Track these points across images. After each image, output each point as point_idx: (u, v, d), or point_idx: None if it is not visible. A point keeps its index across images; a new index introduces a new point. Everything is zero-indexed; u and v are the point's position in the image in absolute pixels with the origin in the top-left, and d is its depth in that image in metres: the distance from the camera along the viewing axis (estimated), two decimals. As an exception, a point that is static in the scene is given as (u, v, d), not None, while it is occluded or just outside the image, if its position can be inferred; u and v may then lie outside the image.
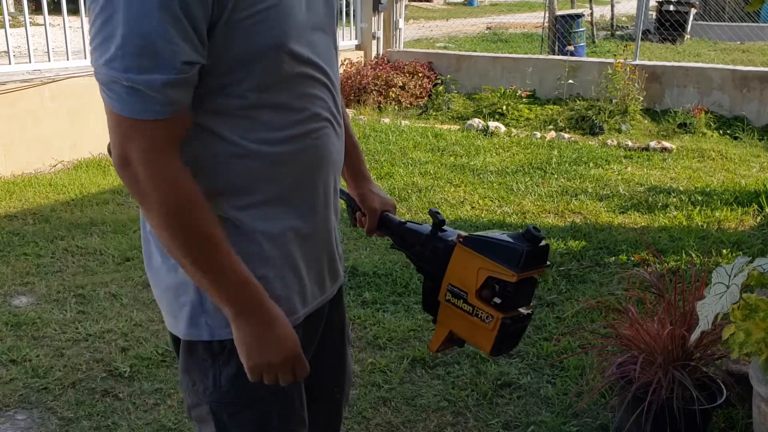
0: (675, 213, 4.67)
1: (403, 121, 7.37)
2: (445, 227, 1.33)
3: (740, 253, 3.90)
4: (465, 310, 1.24)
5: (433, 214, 1.35)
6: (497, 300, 1.20)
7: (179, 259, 1.13)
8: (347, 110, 7.75)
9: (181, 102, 1.07)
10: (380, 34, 8.85)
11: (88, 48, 6.02)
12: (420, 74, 8.31)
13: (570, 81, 7.81)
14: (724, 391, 2.31)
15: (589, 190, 5.16)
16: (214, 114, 1.13)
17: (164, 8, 1.00)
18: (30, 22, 5.81)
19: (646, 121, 7.28)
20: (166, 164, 1.07)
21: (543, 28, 11.78)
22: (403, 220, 1.43)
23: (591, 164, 5.86)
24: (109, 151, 1.52)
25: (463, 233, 1.28)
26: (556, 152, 6.17)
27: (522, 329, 1.26)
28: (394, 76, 8.12)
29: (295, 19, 1.13)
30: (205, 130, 1.13)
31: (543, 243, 1.20)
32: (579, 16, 11.02)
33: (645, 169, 5.77)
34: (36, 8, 9.40)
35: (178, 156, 1.09)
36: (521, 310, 1.23)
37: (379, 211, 1.48)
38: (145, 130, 1.06)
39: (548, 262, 1.24)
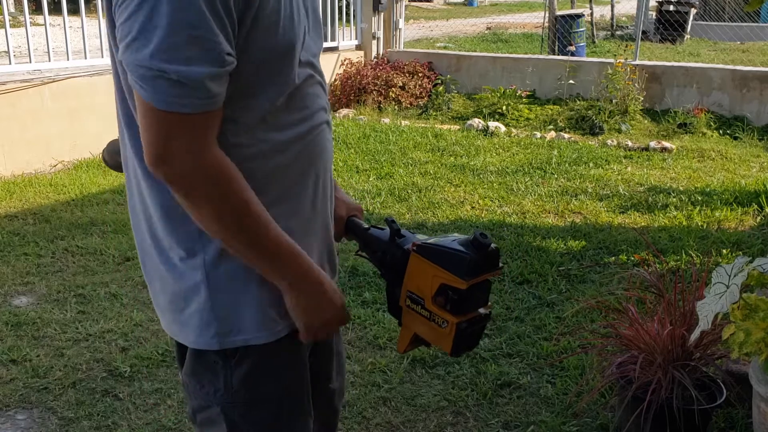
0: (675, 213, 4.67)
1: (403, 121, 7.37)
2: (403, 232, 1.37)
3: (740, 253, 3.90)
4: (423, 315, 1.28)
5: (389, 222, 1.39)
6: (451, 306, 1.24)
7: (232, 244, 1.14)
8: (347, 110, 7.76)
9: (221, 94, 1.07)
10: (380, 34, 8.85)
11: (88, 48, 6.06)
12: (420, 74, 8.30)
13: (570, 81, 7.81)
14: (724, 391, 2.31)
15: (589, 190, 5.16)
16: (230, 120, 1.13)
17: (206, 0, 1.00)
18: (30, 22, 5.81)
19: (646, 121, 7.28)
20: (212, 153, 1.08)
21: (543, 28, 11.79)
22: (367, 226, 1.47)
23: (591, 164, 5.86)
24: (103, 157, 1.52)
25: (419, 239, 1.31)
26: (556, 152, 6.17)
27: (481, 329, 1.30)
28: (394, 76, 8.11)
29: (300, 22, 1.16)
30: (220, 134, 1.13)
31: (492, 248, 1.23)
32: (579, 16, 11.03)
33: (645, 169, 5.77)
34: (36, 8, 9.41)
35: (218, 146, 1.10)
36: (480, 310, 1.28)
37: (346, 217, 1.52)
38: (190, 125, 1.05)
39: (501, 265, 1.28)
